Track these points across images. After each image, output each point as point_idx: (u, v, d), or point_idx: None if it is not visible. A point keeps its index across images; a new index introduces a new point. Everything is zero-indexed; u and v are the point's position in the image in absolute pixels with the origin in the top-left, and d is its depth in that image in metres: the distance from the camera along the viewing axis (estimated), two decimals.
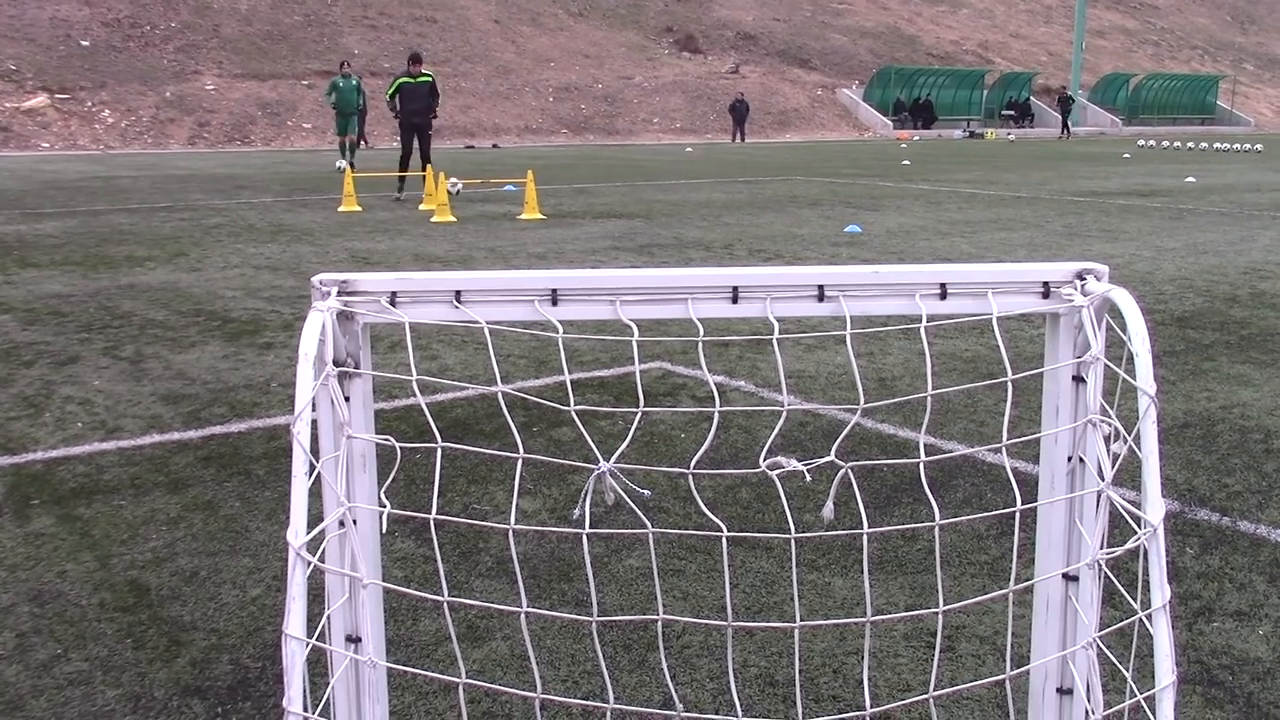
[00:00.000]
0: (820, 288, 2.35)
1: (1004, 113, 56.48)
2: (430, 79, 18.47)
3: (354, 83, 22.98)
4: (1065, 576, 2.46)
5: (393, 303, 2.27)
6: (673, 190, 20.37)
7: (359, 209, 16.50)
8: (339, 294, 2.20)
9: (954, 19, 67.04)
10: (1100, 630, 2.23)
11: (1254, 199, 18.96)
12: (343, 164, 21.47)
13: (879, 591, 3.79)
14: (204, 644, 3.46)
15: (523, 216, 15.56)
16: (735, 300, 2.35)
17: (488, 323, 2.28)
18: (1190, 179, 23.35)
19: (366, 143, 25.72)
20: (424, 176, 17.63)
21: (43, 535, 4.32)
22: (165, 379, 6.68)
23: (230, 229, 14.14)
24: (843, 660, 3.32)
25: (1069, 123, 50.29)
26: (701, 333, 2.22)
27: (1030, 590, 2.41)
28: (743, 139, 44.62)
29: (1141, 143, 42.77)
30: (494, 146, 39.66)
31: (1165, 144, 41.67)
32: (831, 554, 4.08)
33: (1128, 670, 2.25)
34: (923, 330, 2.17)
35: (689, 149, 38.12)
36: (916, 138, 48.44)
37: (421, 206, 16.84)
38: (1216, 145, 40.02)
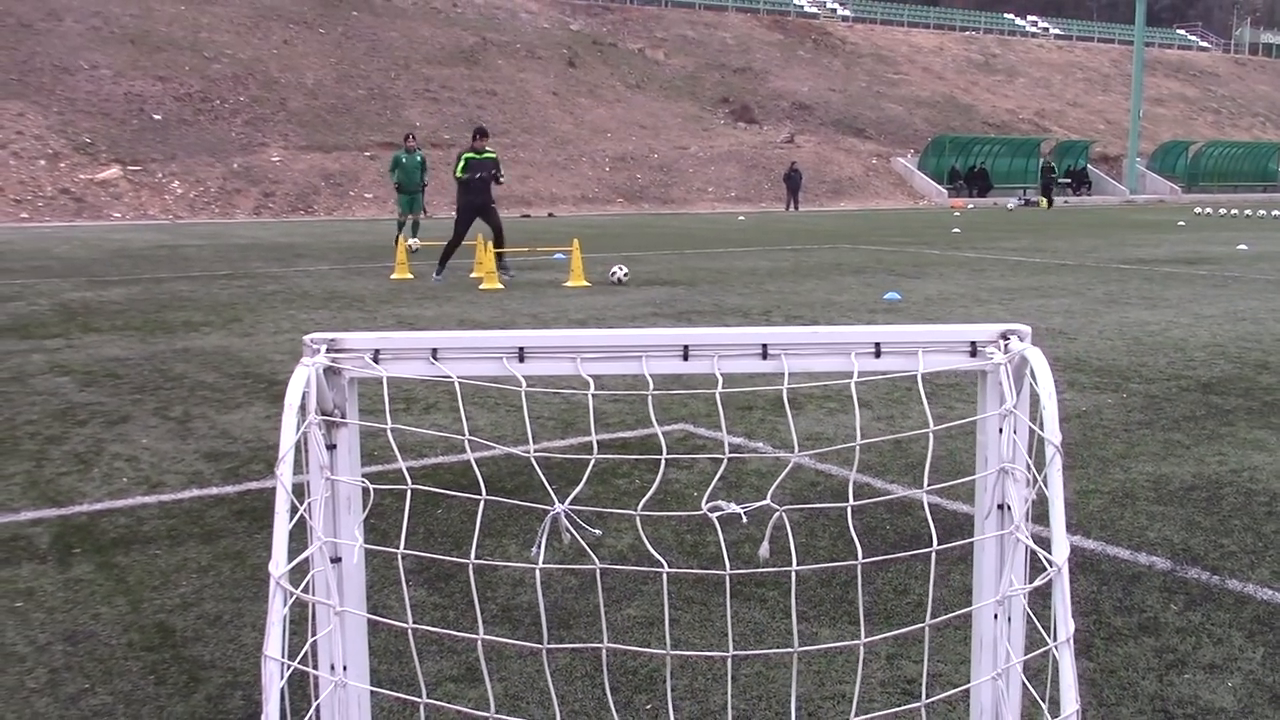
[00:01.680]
0: (764, 346, 2.56)
1: (1060, 180, 56.43)
2: (494, 156, 17.72)
3: (418, 159, 22.00)
4: (996, 616, 2.63)
5: (375, 359, 2.50)
6: (719, 258, 20.67)
7: (410, 277, 16.95)
8: (327, 351, 2.44)
9: (1010, 88, 67.31)
10: (1008, 664, 2.40)
11: None
12: (415, 242, 21.01)
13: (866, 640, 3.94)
14: (220, 681, 3.70)
15: (568, 284, 15.91)
16: (686, 358, 2.56)
17: (459, 377, 2.51)
18: (1242, 246, 23.25)
19: (426, 213, 26.03)
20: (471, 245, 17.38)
21: (81, 581, 4.60)
22: (209, 438, 7.00)
23: (285, 295, 14.61)
24: (819, 704, 3.48)
25: (1050, 195, 49.03)
26: (651, 387, 2.43)
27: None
28: (796, 207, 44.99)
29: (1199, 210, 42.52)
30: (550, 215, 40.32)
31: (1223, 211, 41.39)
32: (822, 606, 4.24)
33: (1044, 701, 2.40)
34: (853, 385, 2.35)
35: (741, 218, 38.53)
36: (971, 206, 48.52)
37: (471, 274, 17.24)
38: (1275, 213, 39.69)
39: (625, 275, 16.00)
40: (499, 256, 17.12)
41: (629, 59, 57.50)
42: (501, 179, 17.89)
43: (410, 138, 23.14)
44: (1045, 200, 48.67)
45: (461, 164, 17.37)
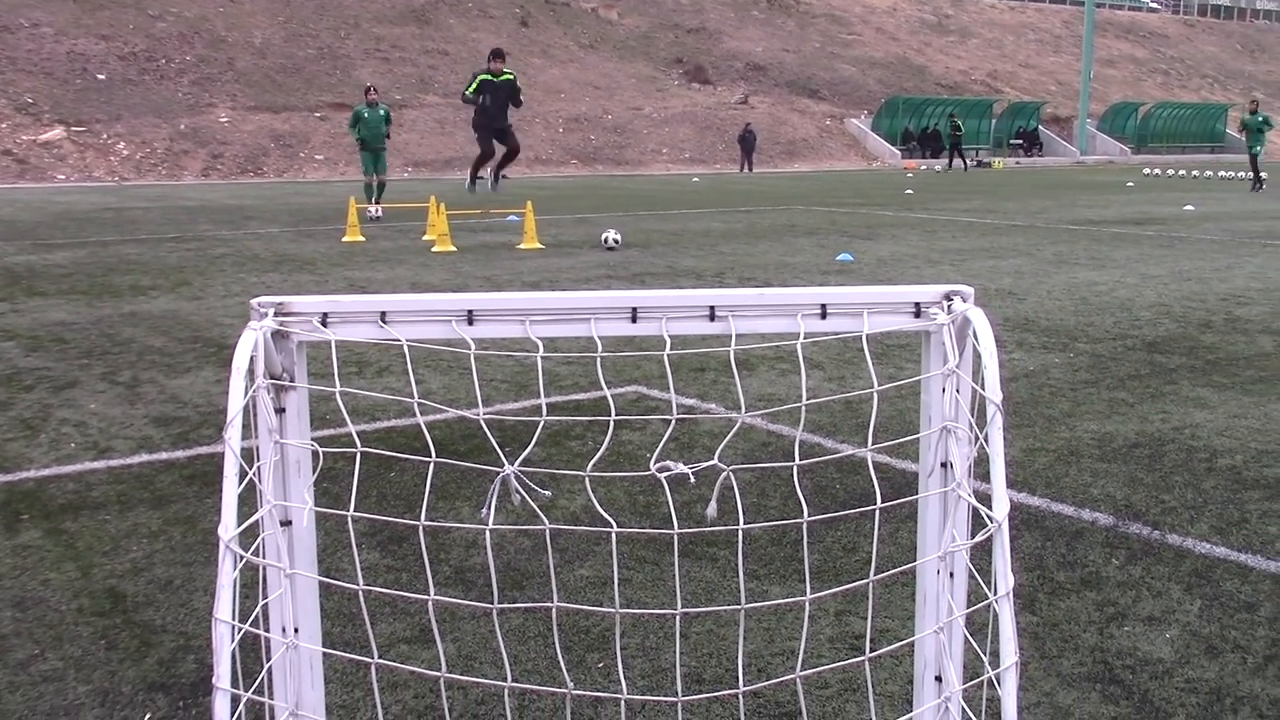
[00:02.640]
0: (711, 308, 2.57)
1: (1012, 141, 56.79)
2: (512, 78, 16.54)
3: (381, 112, 21.01)
4: (939, 571, 2.68)
5: (324, 323, 2.49)
6: (673, 220, 20.66)
7: (362, 239, 16.82)
8: (275, 315, 2.43)
9: (963, 49, 67.46)
10: (951, 618, 2.45)
11: (1247, 227, 19.15)
12: (377, 211, 20.18)
13: (812, 596, 4.01)
14: (172, 645, 3.70)
15: (522, 246, 15.85)
16: (634, 320, 2.57)
17: (408, 340, 2.51)
18: (1189, 207, 23.54)
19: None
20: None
21: (30, 547, 4.56)
22: (158, 402, 6.94)
23: (235, 259, 14.46)
24: (768, 660, 3.54)
25: (961, 154, 47.45)
26: (600, 349, 2.44)
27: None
28: (750, 169, 44.97)
29: (1147, 171, 42.97)
30: (503, 177, 40.03)
31: (1171, 172, 41.85)
32: (773, 564, 4.30)
33: (984, 653, 2.45)
34: (799, 346, 2.37)
35: (695, 179, 38.48)
36: (924, 167, 48.71)
37: (424, 236, 17.13)
38: (1221, 173, 40.19)
39: (618, 239, 15.75)
40: (499, 168, 16.88)
41: (582, 19, 57.03)
42: (521, 100, 16.95)
43: (372, 90, 22.05)
44: (951, 161, 47.30)
45: (474, 84, 16.25)
